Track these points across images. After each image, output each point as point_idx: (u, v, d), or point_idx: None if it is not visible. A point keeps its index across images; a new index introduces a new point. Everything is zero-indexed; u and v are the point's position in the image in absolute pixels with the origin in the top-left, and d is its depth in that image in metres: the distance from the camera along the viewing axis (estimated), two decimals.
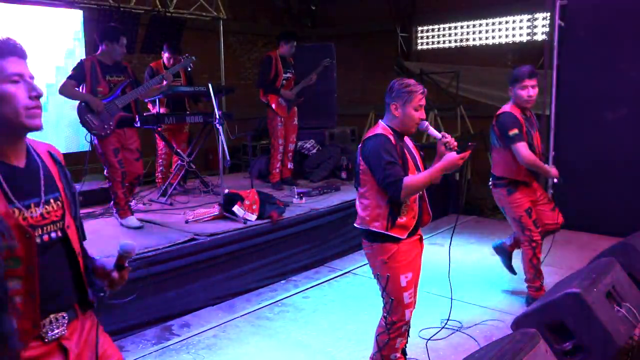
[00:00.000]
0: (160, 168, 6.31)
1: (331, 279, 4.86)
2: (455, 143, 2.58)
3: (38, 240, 1.54)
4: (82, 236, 1.76)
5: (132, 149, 4.65)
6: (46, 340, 1.57)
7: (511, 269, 4.44)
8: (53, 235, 1.60)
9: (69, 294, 1.67)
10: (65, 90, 4.38)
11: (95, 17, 6.84)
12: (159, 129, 5.71)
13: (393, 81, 2.74)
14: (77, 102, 4.43)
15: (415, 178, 2.57)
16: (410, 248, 2.73)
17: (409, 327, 2.91)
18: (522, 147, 3.75)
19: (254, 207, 4.82)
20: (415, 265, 2.77)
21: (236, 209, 4.75)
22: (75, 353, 1.65)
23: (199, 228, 4.55)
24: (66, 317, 1.63)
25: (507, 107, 3.91)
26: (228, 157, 4.63)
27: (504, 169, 3.95)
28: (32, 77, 1.56)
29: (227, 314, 4.13)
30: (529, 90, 3.78)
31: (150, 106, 5.96)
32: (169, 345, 3.61)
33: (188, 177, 6.42)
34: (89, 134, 4.43)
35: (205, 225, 4.64)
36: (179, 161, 5.98)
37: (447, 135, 2.62)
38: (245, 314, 4.12)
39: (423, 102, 2.68)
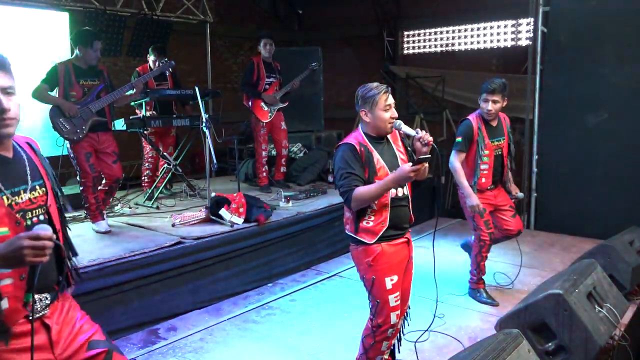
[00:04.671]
0: (147, 172, 6.27)
1: (318, 281, 4.87)
2: (431, 139, 2.56)
3: (28, 222, 1.71)
4: (63, 218, 1.90)
5: (108, 152, 4.60)
6: (31, 318, 1.68)
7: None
8: (41, 217, 1.77)
9: (52, 274, 1.82)
10: (37, 94, 4.32)
11: (81, 20, 6.80)
12: (146, 132, 5.70)
13: (357, 90, 2.77)
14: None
15: (365, 189, 2.59)
16: (396, 251, 2.75)
17: (397, 330, 2.93)
18: (454, 155, 4.05)
19: (241, 210, 4.82)
20: (400, 269, 2.78)
21: (223, 212, 4.75)
22: (57, 329, 1.81)
23: (186, 231, 4.54)
24: (48, 298, 1.80)
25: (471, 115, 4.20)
26: (215, 161, 4.63)
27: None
28: (3, 90, 1.65)
29: (214, 317, 4.13)
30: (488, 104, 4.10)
31: (137, 111, 5.94)
32: (155, 349, 3.59)
33: (174, 180, 6.40)
34: (60, 138, 4.40)
35: (192, 229, 4.64)
36: (166, 164, 5.96)
37: (421, 131, 2.59)
38: (232, 317, 4.12)
39: (390, 101, 2.70)
